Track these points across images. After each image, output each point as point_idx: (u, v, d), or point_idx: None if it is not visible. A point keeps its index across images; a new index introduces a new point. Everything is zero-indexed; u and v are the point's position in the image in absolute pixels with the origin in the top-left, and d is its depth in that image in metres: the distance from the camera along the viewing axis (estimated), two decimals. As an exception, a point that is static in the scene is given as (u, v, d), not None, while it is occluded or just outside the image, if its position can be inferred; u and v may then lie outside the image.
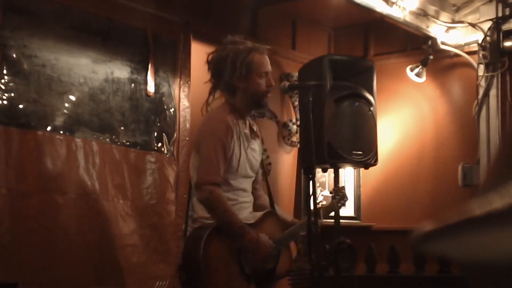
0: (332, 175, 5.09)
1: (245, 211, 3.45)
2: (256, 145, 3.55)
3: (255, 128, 3.59)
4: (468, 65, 5.71)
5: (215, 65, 3.50)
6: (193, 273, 3.24)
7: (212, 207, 3.31)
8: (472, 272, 0.74)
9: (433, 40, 5.66)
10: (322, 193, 5.83)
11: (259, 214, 3.49)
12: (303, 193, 5.48)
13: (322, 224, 3.55)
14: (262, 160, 3.64)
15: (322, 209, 3.63)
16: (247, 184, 3.50)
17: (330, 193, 3.91)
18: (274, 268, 3.42)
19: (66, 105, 4.21)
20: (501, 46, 5.46)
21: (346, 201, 3.90)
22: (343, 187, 3.95)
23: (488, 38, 5.53)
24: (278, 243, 3.44)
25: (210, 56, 3.55)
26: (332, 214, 4.20)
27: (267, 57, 3.51)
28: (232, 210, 3.30)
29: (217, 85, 3.50)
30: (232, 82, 3.44)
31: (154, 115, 4.72)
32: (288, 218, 3.70)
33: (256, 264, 3.31)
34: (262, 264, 3.33)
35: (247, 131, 3.49)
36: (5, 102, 3.91)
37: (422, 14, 5.47)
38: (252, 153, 3.50)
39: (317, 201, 3.30)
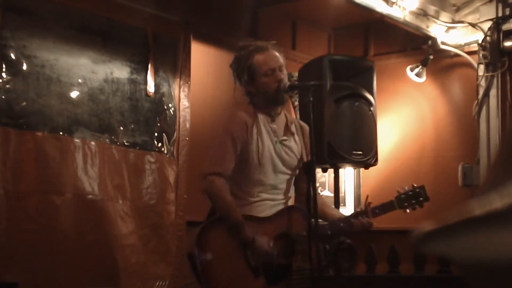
0: (332, 175, 5.09)
1: (270, 209, 3.38)
2: (292, 142, 3.47)
3: (293, 127, 3.51)
4: (468, 65, 5.71)
5: (233, 75, 3.54)
6: (192, 263, 3.26)
7: (213, 197, 3.30)
8: (472, 272, 0.74)
9: (433, 40, 5.65)
10: (322, 193, 5.83)
11: (279, 208, 3.41)
12: (303, 193, 5.47)
13: (366, 225, 3.33)
14: (302, 159, 3.49)
15: (371, 207, 3.36)
16: (278, 180, 3.42)
17: (398, 191, 3.43)
18: (289, 265, 3.34)
19: (66, 105, 4.20)
20: (501, 46, 5.46)
21: (422, 202, 3.39)
22: (421, 186, 3.44)
23: (488, 38, 5.52)
24: (296, 239, 3.36)
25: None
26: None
27: (272, 53, 3.43)
28: (232, 203, 3.27)
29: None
30: (245, 89, 3.46)
31: (154, 115, 4.72)
32: (337, 214, 3.48)
33: (255, 262, 3.28)
34: (258, 263, 3.28)
35: (274, 126, 3.44)
36: (3, 102, 3.91)
37: (422, 14, 5.47)
38: (284, 148, 3.43)
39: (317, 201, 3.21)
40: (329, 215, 3.42)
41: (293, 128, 3.51)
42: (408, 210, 3.42)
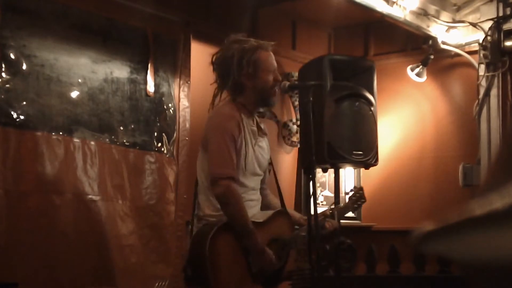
0: (332, 175, 5.09)
1: (252, 209, 3.41)
2: (264, 143, 3.49)
3: (262, 126, 3.53)
4: (468, 65, 5.71)
5: (221, 66, 3.45)
6: (199, 269, 3.23)
7: (228, 202, 3.25)
8: (472, 272, 0.74)
9: (434, 39, 5.65)
10: (323, 193, 5.83)
11: (269, 213, 3.45)
12: (303, 193, 5.48)
13: (336, 226, 3.53)
14: (271, 159, 3.59)
15: (336, 210, 3.57)
16: (255, 182, 3.45)
17: (346, 193, 3.83)
18: (282, 269, 3.39)
19: (65, 105, 4.20)
20: (502, 45, 5.46)
21: (363, 202, 3.76)
22: (361, 188, 3.80)
23: (488, 37, 5.52)
24: (288, 243, 3.41)
25: (215, 57, 3.50)
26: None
27: (272, 54, 3.48)
28: (245, 210, 3.27)
29: (224, 85, 3.46)
30: (240, 80, 3.39)
31: (154, 115, 4.72)
32: (296, 216, 3.63)
33: (257, 269, 3.30)
34: (262, 272, 3.31)
35: (254, 128, 3.43)
36: (3, 102, 3.90)
37: (423, 13, 5.47)
38: (260, 150, 3.44)
39: (317, 201, 3.25)
40: (296, 219, 3.59)
41: (263, 128, 3.53)
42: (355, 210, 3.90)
